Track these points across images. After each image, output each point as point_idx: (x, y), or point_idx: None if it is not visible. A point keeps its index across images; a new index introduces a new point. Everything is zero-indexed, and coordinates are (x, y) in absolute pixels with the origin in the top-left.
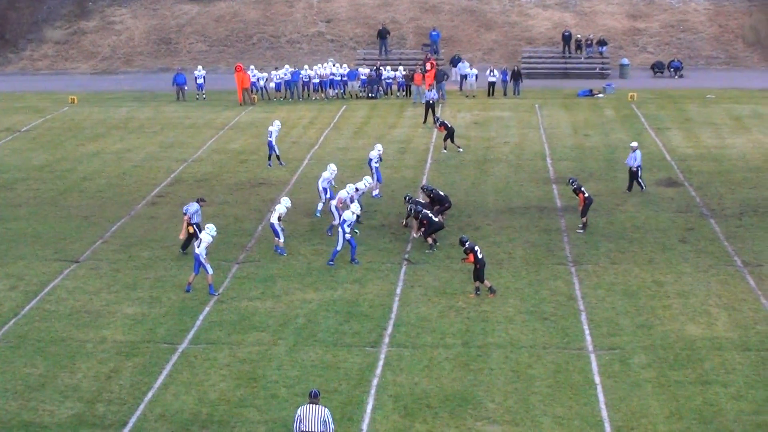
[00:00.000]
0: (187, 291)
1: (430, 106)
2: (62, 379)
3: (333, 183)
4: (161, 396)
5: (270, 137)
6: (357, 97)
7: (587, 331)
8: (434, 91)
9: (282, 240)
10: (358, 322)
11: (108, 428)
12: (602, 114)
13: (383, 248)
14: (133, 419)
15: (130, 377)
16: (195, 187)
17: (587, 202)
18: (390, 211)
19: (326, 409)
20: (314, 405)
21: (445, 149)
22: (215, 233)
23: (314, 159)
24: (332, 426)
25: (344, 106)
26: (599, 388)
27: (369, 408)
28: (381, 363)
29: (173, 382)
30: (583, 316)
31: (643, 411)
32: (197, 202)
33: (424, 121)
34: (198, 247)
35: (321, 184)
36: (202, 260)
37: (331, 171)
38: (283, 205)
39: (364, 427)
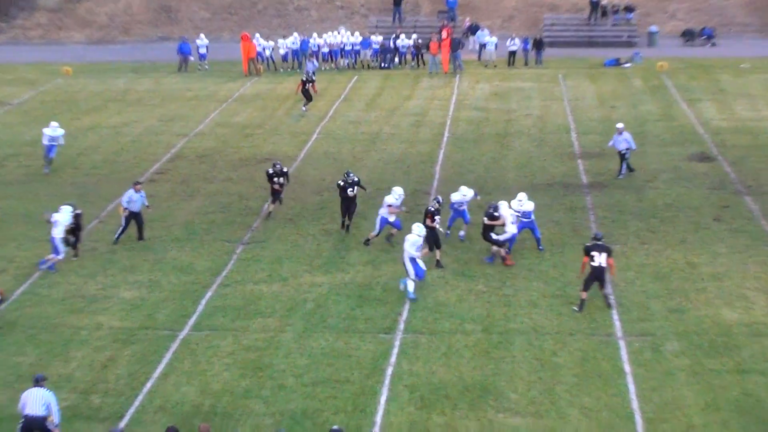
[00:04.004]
0: (41, 265)
1: (305, 82)
2: (55, 369)
3: (402, 206)
4: (161, 386)
5: (44, 141)
6: (369, 67)
7: (616, 317)
8: (314, 61)
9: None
10: (371, 307)
11: (104, 421)
12: (630, 84)
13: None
14: (131, 411)
15: (128, 366)
16: (197, 163)
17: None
18: (405, 187)
19: (50, 392)
20: (38, 388)
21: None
22: (71, 215)
23: (323, 133)
24: (56, 408)
25: (355, 77)
26: (629, 378)
27: (383, 399)
28: (396, 351)
29: (173, 372)
30: (612, 300)
31: (676, 402)
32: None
33: (307, 101)
34: (56, 227)
35: (380, 213)
36: (57, 243)
37: (397, 195)
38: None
39: (378, 419)
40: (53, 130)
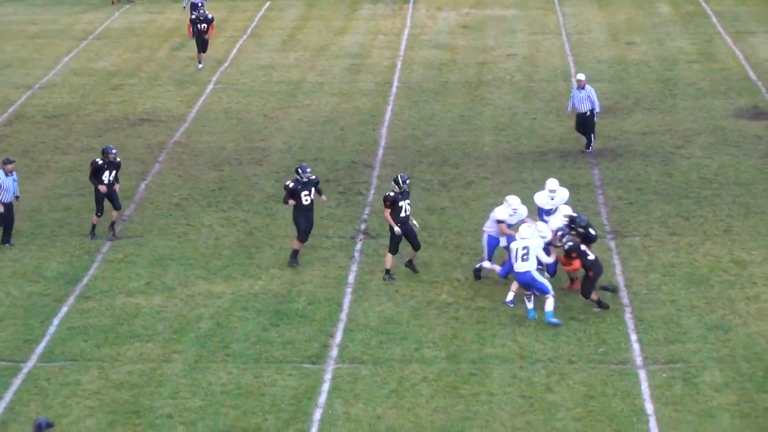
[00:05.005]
0: None
1: (198, 22)
2: None
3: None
4: None
5: None
6: None
7: (634, 337)
8: None
9: None
10: (292, 326)
11: None
12: (654, 11)
13: (328, 214)
14: None
15: None
16: (45, 126)
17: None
18: (338, 158)
19: None
20: None
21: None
22: None
23: (223, 83)
24: None
25: (267, 3)
26: (652, 421)
27: None
28: (326, 387)
29: (16, 420)
30: (628, 314)
31: None
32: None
33: (200, 51)
34: None
35: (486, 231)
36: None
37: (512, 210)
38: None
39: None
40: None
